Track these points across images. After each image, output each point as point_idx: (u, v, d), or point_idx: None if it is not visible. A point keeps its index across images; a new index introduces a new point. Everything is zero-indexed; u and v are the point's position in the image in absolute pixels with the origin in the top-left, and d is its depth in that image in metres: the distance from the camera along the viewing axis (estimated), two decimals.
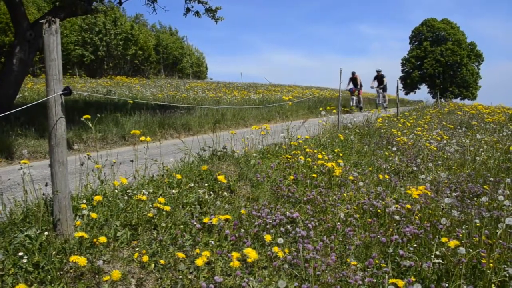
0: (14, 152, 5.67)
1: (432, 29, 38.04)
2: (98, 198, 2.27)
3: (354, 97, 14.89)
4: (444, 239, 2.38)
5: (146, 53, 28.76)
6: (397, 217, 2.87)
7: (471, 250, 2.59)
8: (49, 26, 2.05)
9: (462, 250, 2.43)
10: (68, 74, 22.18)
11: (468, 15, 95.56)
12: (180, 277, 2.08)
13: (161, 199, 2.35)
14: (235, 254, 1.92)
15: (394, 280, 1.81)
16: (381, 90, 15.30)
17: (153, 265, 2.10)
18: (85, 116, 2.63)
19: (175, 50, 32.73)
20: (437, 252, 2.56)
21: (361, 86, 15.07)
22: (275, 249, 2.14)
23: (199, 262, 1.86)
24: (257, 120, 10.69)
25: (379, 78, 15.59)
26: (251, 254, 1.94)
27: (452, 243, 2.30)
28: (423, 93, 45.24)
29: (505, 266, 2.36)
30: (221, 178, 2.74)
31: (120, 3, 9.58)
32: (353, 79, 15.02)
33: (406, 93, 40.49)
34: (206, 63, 38.21)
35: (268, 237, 2.19)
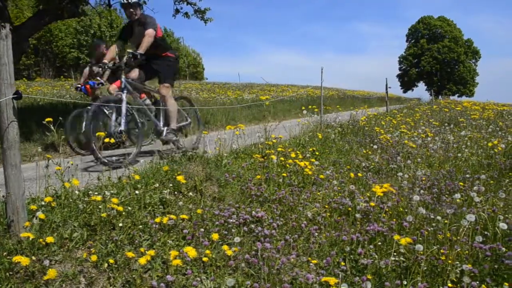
0: None
1: (428, 27, 38.03)
2: (48, 199, 2.31)
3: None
4: (396, 237, 2.40)
5: None
6: (358, 215, 2.89)
7: (435, 247, 2.61)
8: None
9: (419, 247, 2.45)
10: (62, 77, 22.21)
11: (464, 12, 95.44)
12: (134, 276, 2.11)
13: (115, 200, 2.38)
14: (173, 253, 1.95)
15: (326, 279, 1.84)
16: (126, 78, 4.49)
17: (106, 264, 2.13)
18: (47, 119, 2.66)
19: None
20: (401, 250, 2.58)
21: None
22: (225, 247, 2.16)
23: (142, 261, 1.89)
24: (248, 120, 10.73)
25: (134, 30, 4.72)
26: (190, 253, 1.96)
27: (404, 240, 2.32)
28: (421, 90, 45.33)
29: (458, 263, 2.38)
30: (180, 178, 2.77)
31: (109, 5, 9.63)
32: (98, 59, 6.32)
33: (404, 91, 40.55)
34: (202, 63, 38.24)
35: (215, 236, 2.21)
